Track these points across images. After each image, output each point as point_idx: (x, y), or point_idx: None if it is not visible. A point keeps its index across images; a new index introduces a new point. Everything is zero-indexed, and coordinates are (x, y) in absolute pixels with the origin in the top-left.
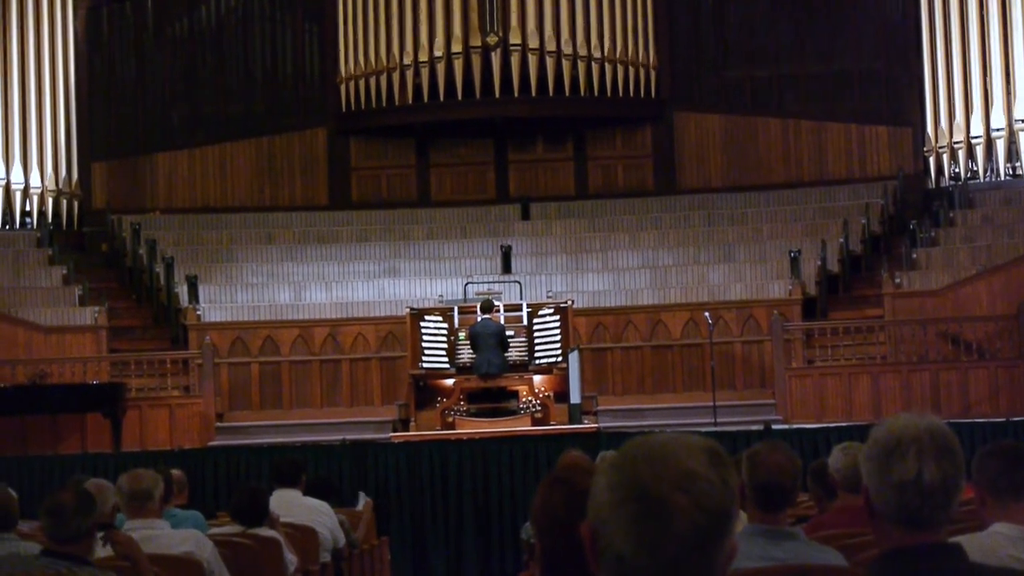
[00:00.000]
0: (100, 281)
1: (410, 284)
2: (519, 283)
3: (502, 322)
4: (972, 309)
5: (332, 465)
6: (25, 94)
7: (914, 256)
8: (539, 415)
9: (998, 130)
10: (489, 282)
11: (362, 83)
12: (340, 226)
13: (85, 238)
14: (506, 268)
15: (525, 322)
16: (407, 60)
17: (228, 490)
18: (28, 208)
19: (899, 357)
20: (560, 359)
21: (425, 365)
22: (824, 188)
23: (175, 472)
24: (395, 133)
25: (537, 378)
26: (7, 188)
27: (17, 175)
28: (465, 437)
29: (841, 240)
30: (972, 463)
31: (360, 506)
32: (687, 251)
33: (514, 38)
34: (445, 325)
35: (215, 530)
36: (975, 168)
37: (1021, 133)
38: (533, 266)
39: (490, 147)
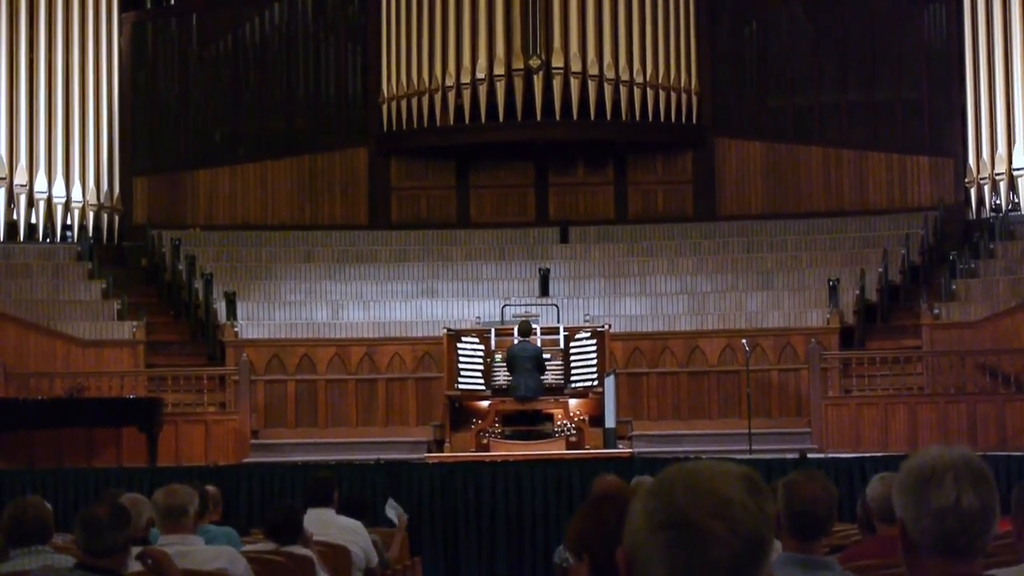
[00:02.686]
0: (139, 296)
1: (447, 305)
2: (556, 306)
3: (539, 345)
4: (1011, 341)
5: (366, 485)
6: (69, 108)
7: (953, 287)
8: (574, 439)
9: None
10: (527, 305)
11: (404, 103)
12: (379, 246)
13: (125, 253)
14: (544, 291)
15: (562, 345)
16: (449, 81)
17: (262, 507)
18: (69, 222)
19: (936, 388)
20: (596, 383)
21: (461, 386)
22: (864, 217)
23: (210, 488)
24: (436, 154)
25: (573, 402)
26: (49, 201)
27: (59, 189)
28: (499, 459)
29: (880, 270)
30: (1011, 496)
31: (391, 514)
32: (725, 277)
33: (556, 61)
34: (481, 347)
35: (248, 547)
36: (1016, 200)
37: None
38: (571, 289)
39: (530, 170)
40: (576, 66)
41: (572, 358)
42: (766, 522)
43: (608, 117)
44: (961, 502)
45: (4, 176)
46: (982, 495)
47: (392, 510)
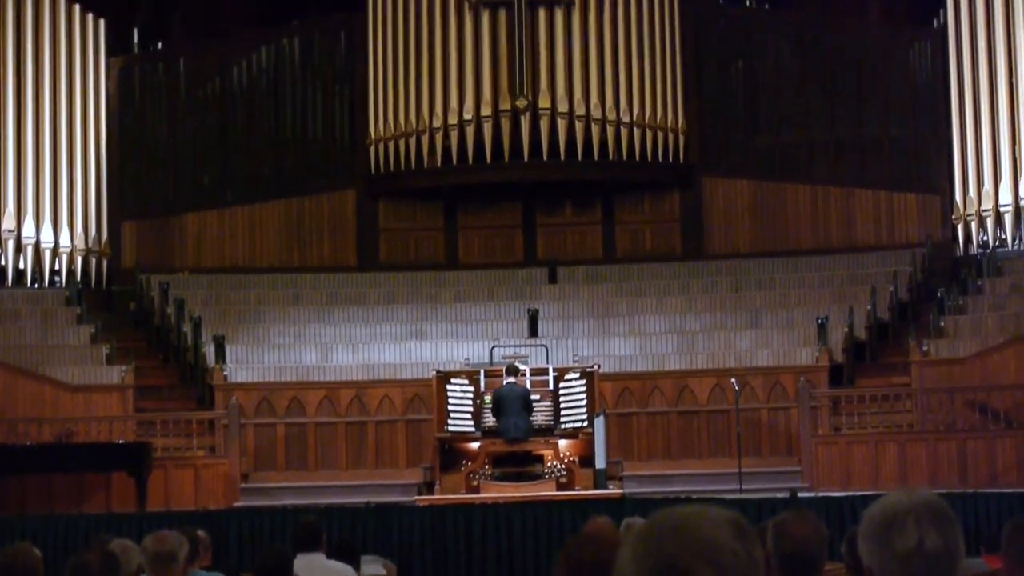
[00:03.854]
0: (128, 340)
1: (437, 347)
2: (546, 347)
3: (528, 386)
4: (1000, 377)
5: (357, 528)
6: (56, 152)
7: (942, 324)
8: (564, 480)
9: None
10: (516, 345)
11: (391, 145)
12: (368, 288)
13: (113, 297)
14: (533, 332)
15: (551, 386)
16: (436, 123)
17: (252, 552)
18: (57, 267)
19: (926, 425)
20: (586, 424)
21: (451, 428)
22: (852, 255)
23: (200, 533)
24: (424, 195)
25: (563, 442)
26: (37, 247)
27: (47, 234)
28: (490, 501)
29: (869, 307)
30: (1001, 533)
31: (372, 570)
32: (714, 316)
33: (543, 102)
34: (471, 388)
35: None
36: (1003, 236)
37: None
38: (560, 330)
39: (518, 210)
40: (563, 106)
41: (561, 399)
42: (754, 567)
43: (595, 157)
44: (925, 544)
45: None
46: (945, 536)
47: (371, 563)
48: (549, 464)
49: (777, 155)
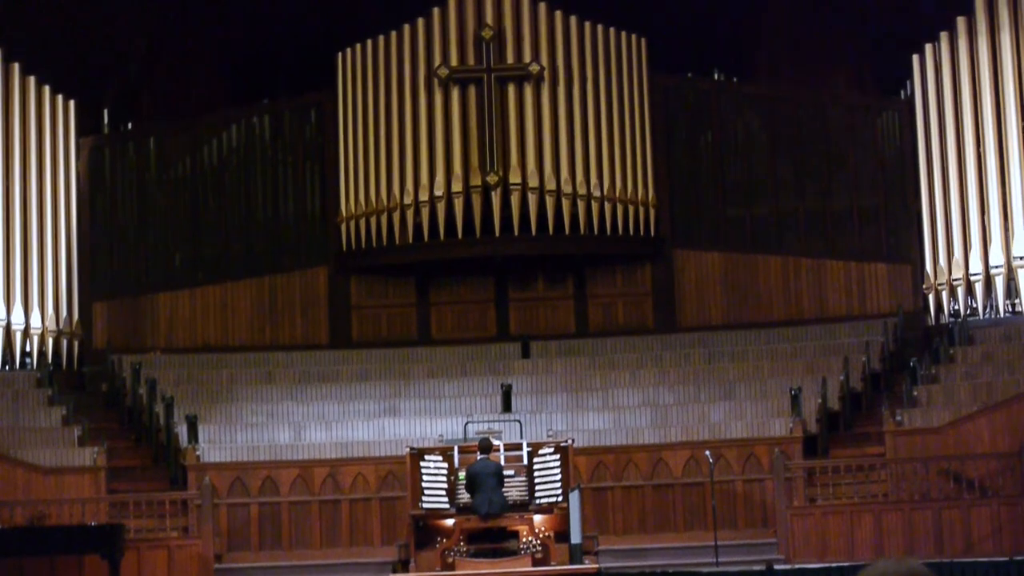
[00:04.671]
0: (100, 421)
1: (410, 423)
2: (519, 421)
3: (502, 461)
4: (974, 446)
5: None
6: (27, 233)
7: (915, 393)
8: (540, 555)
9: (997, 267)
10: (489, 421)
11: (363, 222)
12: (340, 365)
13: (85, 378)
14: (507, 407)
15: (525, 461)
16: (407, 199)
17: None
18: (28, 348)
19: (901, 495)
20: (561, 498)
21: (425, 505)
22: (824, 325)
23: None
24: (396, 272)
25: (538, 518)
26: (7, 328)
27: (18, 315)
28: None
29: (842, 377)
30: None
31: None
32: (688, 389)
33: (514, 177)
34: (445, 465)
35: None
36: (974, 305)
37: (1020, 270)
38: (533, 404)
39: (490, 285)
40: (533, 181)
41: (536, 474)
42: None
43: (567, 231)
44: None
45: None
46: None
47: None
48: (524, 540)
49: (748, 227)
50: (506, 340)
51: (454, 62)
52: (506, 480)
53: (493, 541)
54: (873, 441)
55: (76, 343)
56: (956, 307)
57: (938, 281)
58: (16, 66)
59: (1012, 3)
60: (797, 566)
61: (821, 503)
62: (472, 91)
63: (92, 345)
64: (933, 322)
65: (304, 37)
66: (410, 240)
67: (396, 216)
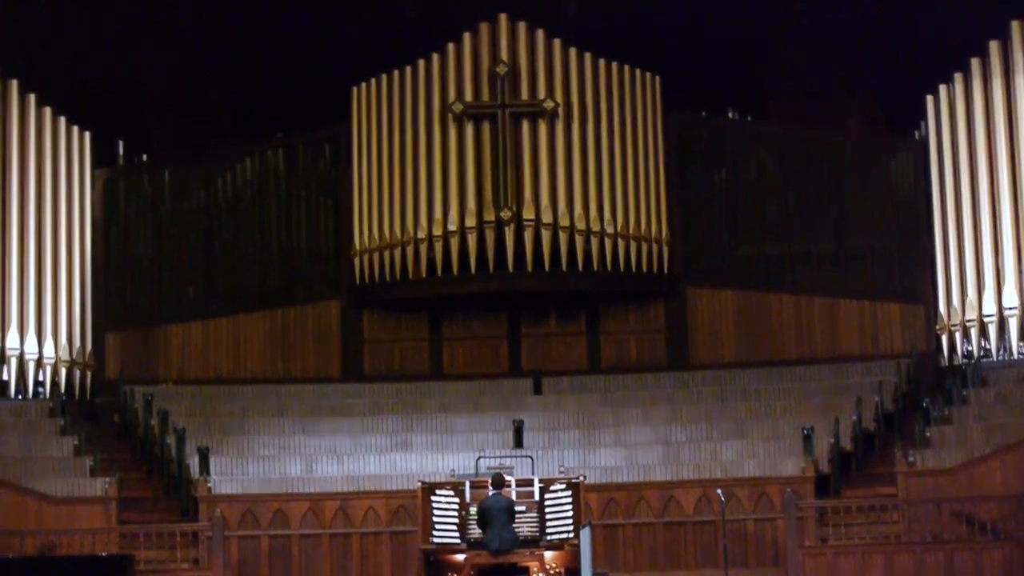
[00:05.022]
0: (111, 452)
1: (422, 458)
2: (531, 457)
3: (513, 497)
4: (986, 488)
5: None
6: (41, 264)
7: (927, 434)
8: None
9: (1011, 309)
10: (501, 456)
11: (376, 256)
12: (352, 399)
13: (97, 408)
14: (518, 442)
15: (537, 497)
16: (421, 234)
17: None
18: (41, 378)
19: (913, 536)
20: (572, 535)
21: (436, 540)
22: (837, 365)
23: None
24: (408, 306)
25: (548, 554)
26: (21, 358)
27: (31, 345)
28: None
29: (854, 417)
30: None
31: None
32: (700, 427)
33: (527, 213)
34: (456, 500)
35: None
36: (988, 346)
37: None
38: (545, 441)
39: (503, 321)
40: (547, 217)
41: (547, 510)
42: None
43: (580, 268)
44: None
45: None
46: None
47: None
48: None
49: (761, 265)
50: (518, 376)
51: (468, 98)
52: (517, 516)
53: None
54: (885, 482)
55: (89, 373)
56: (969, 348)
57: (951, 322)
58: (32, 97)
59: None
60: None
61: (832, 543)
62: (486, 127)
63: (104, 375)
64: (946, 363)
65: (319, 71)
66: (423, 274)
67: (409, 250)
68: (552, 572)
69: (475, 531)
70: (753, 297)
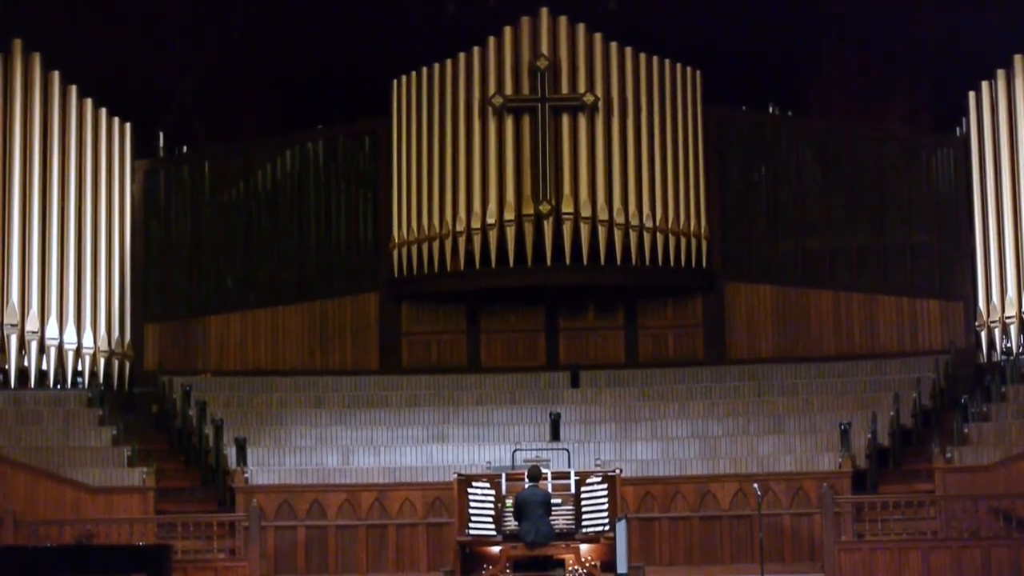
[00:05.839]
0: (149, 442)
1: (458, 450)
2: (567, 451)
3: (549, 490)
4: None
5: None
6: (81, 254)
7: (965, 431)
8: None
9: None
10: (538, 449)
11: (414, 249)
12: (390, 391)
13: (135, 399)
14: (555, 435)
15: (573, 490)
16: (460, 227)
17: None
18: (80, 368)
19: (950, 533)
20: (607, 528)
21: (472, 532)
22: (875, 361)
23: None
24: (447, 299)
25: (584, 547)
26: (60, 348)
27: (70, 335)
28: None
29: (892, 413)
30: None
31: None
32: (737, 421)
33: (566, 207)
34: (492, 492)
35: None
36: None
37: None
38: (582, 434)
39: (541, 314)
40: (586, 211)
41: (583, 503)
42: None
43: (618, 262)
44: None
45: (16, 323)
46: None
47: None
48: (571, 569)
49: (800, 260)
50: (555, 369)
51: (509, 91)
52: (553, 509)
53: (539, 569)
54: (923, 478)
55: (127, 364)
56: (1008, 345)
57: (991, 319)
58: (73, 88)
59: None
60: None
61: (869, 539)
62: (526, 120)
63: (143, 366)
64: (985, 359)
65: (359, 64)
66: (461, 268)
67: (448, 243)
68: (587, 565)
69: (511, 523)
70: (791, 292)
